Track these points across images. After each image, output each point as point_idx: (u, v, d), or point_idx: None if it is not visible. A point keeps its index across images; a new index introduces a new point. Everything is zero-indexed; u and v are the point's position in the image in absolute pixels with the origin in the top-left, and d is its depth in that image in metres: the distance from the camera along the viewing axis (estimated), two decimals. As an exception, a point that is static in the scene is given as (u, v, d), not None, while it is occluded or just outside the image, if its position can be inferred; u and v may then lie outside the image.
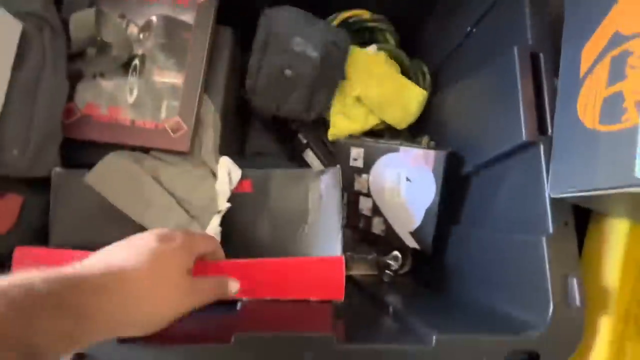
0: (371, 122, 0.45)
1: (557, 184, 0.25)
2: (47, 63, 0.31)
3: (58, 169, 0.33)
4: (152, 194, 0.33)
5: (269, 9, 0.41)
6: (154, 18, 0.38)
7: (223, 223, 0.35)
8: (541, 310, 0.24)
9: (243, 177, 0.35)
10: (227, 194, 0.34)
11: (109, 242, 0.23)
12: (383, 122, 0.46)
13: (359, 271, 0.44)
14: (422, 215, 0.37)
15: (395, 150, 0.39)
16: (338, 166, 0.35)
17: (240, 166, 0.36)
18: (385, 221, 0.41)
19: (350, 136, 0.45)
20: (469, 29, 0.39)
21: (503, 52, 0.30)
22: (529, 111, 0.28)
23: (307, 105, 0.42)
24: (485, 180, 0.34)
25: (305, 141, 0.46)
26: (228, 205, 0.34)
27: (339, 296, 0.30)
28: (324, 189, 0.35)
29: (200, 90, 0.37)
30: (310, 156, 0.47)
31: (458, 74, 0.41)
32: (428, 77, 0.46)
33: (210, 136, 0.37)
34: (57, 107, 0.32)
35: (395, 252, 0.42)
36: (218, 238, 0.33)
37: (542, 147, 0.27)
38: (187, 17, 0.39)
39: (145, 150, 0.36)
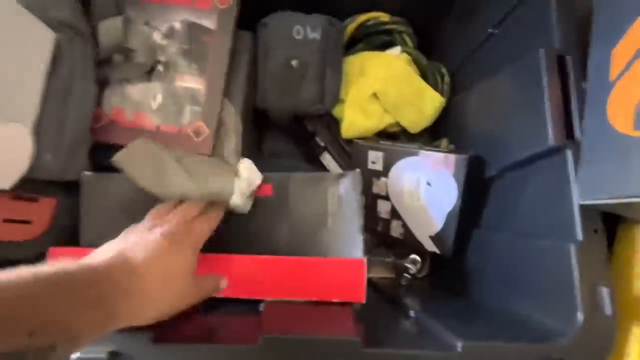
0: (386, 121, 0.45)
1: (586, 191, 0.25)
2: (78, 70, 0.32)
3: (87, 173, 0.34)
4: (174, 174, 0.33)
5: (264, 18, 0.43)
6: (176, 24, 0.39)
7: (243, 226, 0.35)
8: (569, 319, 0.23)
9: (264, 181, 0.36)
10: (246, 194, 0.35)
11: None
12: (398, 124, 0.46)
13: (375, 274, 0.44)
14: (443, 219, 0.37)
15: (415, 153, 0.39)
16: (358, 170, 0.35)
17: (258, 168, 0.36)
18: (404, 224, 0.41)
19: (367, 138, 0.45)
20: (490, 30, 0.38)
21: (528, 54, 0.30)
22: (555, 115, 0.27)
23: (319, 94, 0.43)
24: (508, 184, 0.34)
25: (322, 144, 0.47)
26: (240, 203, 0.34)
27: (360, 298, 0.30)
28: (343, 192, 0.35)
29: (221, 94, 0.38)
30: (327, 159, 0.47)
31: (478, 76, 0.40)
32: (447, 78, 0.46)
33: (232, 139, 0.38)
34: (87, 112, 0.33)
35: (414, 256, 0.42)
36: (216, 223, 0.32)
37: (569, 152, 0.26)
38: (208, 22, 0.39)
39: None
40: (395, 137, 0.47)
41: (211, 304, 0.29)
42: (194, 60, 0.38)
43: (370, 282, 0.42)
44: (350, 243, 0.33)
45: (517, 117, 0.32)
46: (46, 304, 0.18)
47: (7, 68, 0.27)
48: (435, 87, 0.45)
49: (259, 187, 0.36)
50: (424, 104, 0.44)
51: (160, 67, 0.38)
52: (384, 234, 0.43)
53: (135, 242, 0.25)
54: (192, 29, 0.39)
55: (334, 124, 0.47)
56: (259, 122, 0.49)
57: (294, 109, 0.44)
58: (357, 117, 0.44)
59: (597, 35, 0.27)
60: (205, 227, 0.29)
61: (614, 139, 0.23)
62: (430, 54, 0.48)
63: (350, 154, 0.46)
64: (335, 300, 0.30)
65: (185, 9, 0.39)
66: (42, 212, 0.31)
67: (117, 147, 0.37)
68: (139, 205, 0.33)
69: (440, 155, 0.37)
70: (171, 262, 0.25)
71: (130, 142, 0.34)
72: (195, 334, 0.24)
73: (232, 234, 0.34)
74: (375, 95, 0.44)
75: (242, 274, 0.30)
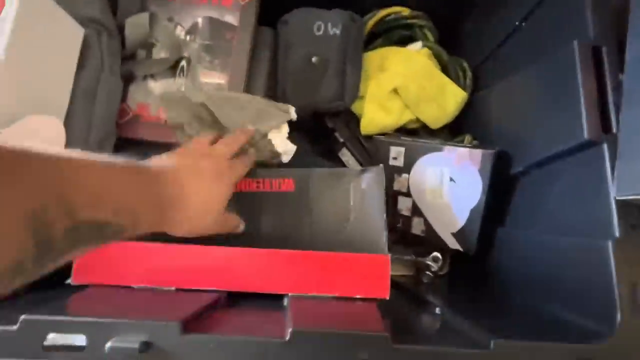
0: (406, 117, 0.44)
1: (624, 185, 0.24)
2: (105, 65, 0.33)
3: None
4: (233, 109, 0.35)
5: (284, 15, 0.43)
6: (199, 20, 0.39)
7: (266, 221, 0.35)
8: (607, 319, 0.23)
9: (285, 176, 0.36)
10: (287, 148, 0.37)
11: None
12: (417, 120, 0.45)
13: (396, 272, 0.44)
14: (466, 216, 0.36)
15: (439, 149, 0.38)
16: (381, 165, 0.34)
17: (278, 164, 0.37)
18: (426, 221, 0.40)
19: (387, 134, 0.45)
20: (517, 23, 0.37)
21: (560, 47, 0.29)
22: (591, 108, 0.26)
23: (339, 90, 0.42)
24: (536, 180, 0.33)
25: (341, 140, 0.46)
26: (281, 146, 0.36)
27: (384, 294, 0.30)
28: (366, 187, 0.35)
29: (243, 89, 0.38)
30: (346, 155, 0.47)
31: (504, 71, 0.39)
32: (470, 73, 0.45)
33: (253, 134, 0.38)
34: (113, 107, 0.34)
35: (436, 253, 0.41)
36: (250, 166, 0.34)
37: (606, 146, 0.25)
38: (230, 18, 0.40)
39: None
40: (414, 133, 0.46)
41: (234, 298, 0.29)
42: (216, 56, 0.39)
43: (391, 279, 0.42)
44: (374, 239, 0.33)
45: (546, 111, 0.31)
46: (127, 190, 0.21)
47: (41, 61, 0.28)
48: (457, 82, 0.45)
49: (281, 182, 0.36)
50: (445, 99, 0.44)
51: (183, 63, 0.38)
52: (404, 231, 0.42)
53: (189, 165, 0.28)
54: (215, 25, 0.39)
55: (352, 120, 0.46)
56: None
57: (314, 106, 0.43)
58: (376, 113, 0.44)
59: (634, 26, 0.26)
60: (243, 167, 0.33)
61: (656, 132, 0.22)
62: (451, 50, 0.47)
63: (370, 150, 0.45)
64: (358, 296, 0.29)
65: (207, 6, 0.39)
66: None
67: (140, 142, 0.38)
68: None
69: (466, 150, 0.36)
70: (213, 191, 0.29)
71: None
72: (222, 326, 0.24)
73: (255, 229, 0.34)
74: (395, 91, 0.43)
75: (266, 269, 0.30)
